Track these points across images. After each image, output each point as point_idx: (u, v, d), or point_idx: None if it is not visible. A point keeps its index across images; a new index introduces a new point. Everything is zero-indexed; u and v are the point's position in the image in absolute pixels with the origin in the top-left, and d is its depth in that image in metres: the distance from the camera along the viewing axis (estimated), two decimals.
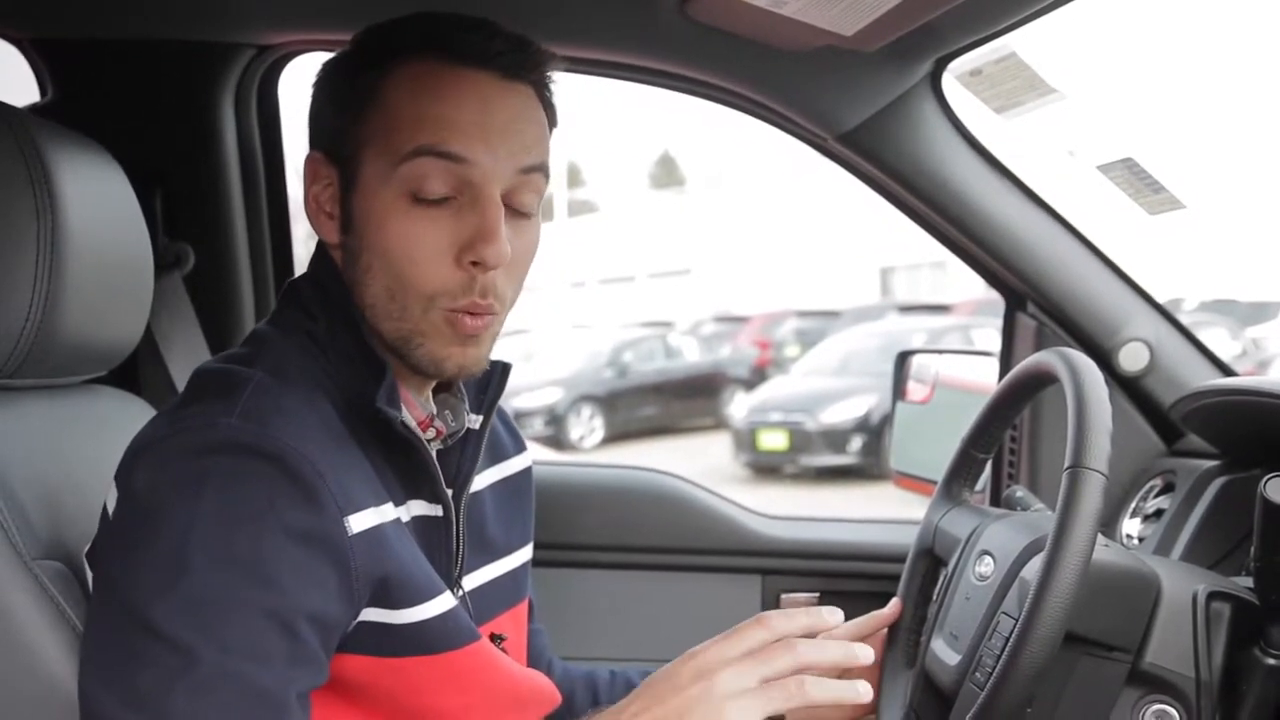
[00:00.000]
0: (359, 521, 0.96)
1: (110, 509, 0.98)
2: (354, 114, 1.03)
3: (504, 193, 1.02)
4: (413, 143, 1.00)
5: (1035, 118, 1.51)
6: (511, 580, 1.22)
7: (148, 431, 0.99)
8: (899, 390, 1.93)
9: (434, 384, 1.12)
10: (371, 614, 0.98)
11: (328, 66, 1.09)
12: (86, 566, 1.03)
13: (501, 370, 1.17)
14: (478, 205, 1.01)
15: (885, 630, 1.36)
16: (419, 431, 1.06)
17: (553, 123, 1.10)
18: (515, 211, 1.04)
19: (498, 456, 1.25)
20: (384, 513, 0.99)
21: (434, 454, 1.08)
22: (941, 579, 1.31)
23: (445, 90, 1.01)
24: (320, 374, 1.04)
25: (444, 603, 1.03)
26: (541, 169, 1.05)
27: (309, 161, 1.08)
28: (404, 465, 1.05)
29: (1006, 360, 1.79)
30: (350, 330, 1.05)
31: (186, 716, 0.86)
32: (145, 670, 0.87)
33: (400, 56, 1.03)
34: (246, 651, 0.88)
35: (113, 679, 0.89)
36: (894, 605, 1.32)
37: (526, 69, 1.05)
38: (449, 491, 1.09)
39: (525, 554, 1.25)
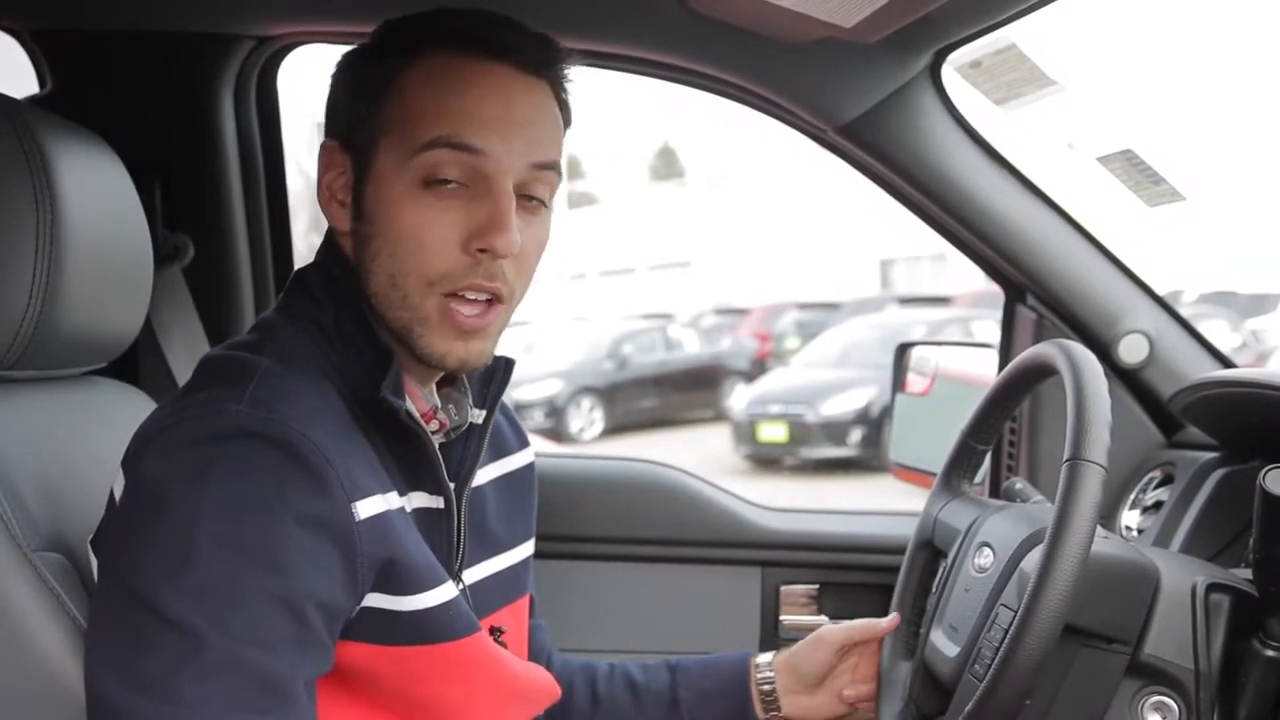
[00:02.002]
0: (366, 508, 0.96)
1: (118, 496, 0.98)
2: (372, 104, 1.04)
3: (516, 186, 1.03)
4: (430, 134, 1.01)
5: (1035, 110, 1.51)
6: (512, 575, 1.22)
7: (155, 418, 0.99)
8: (898, 382, 1.92)
9: (438, 377, 1.13)
10: (375, 600, 0.99)
11: (348, 57, 1.10)
12: (90, 557, 1.03)
13: (505, 365, 1.17)
14: (490, 195, 1.01)
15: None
16: (422, 422, 1.06)
17: (567, 122, 1.10)
18: (526, 206, 1.05)
19: (500, 451, 1.25)
20: (390, 500, 0.99)
21: (437, 446, 1.08)
22: (941, 571, 1.31)
23: (465, 83, 1.02)
24: (326, 362, 1.04)
25: (445, 592, 1.03)
26: (554, 167, 1.06)
27: (324, 149, 1.08)
28: (407, 456, 1.05)
29: (1006, 352, 1.79)
30: (357, 319, 1.05)
31: (193, 702, 0.87)
32: (152, 656, 0.88)
33: (421, 49, 1.04)
34: (254, 637, 0.89)
35: (119, 665, 0.89)
36: (892, 619, 1.33)
37: (546, 65, 1.06)
38: (451, 485, 1.09)
39: (526, 549, 1.25)
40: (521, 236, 1.02)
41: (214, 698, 0.87)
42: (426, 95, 1.02)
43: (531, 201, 1.05)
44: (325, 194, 1.08)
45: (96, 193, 1.14)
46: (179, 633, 0.87)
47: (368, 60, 1.07)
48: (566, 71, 1.09)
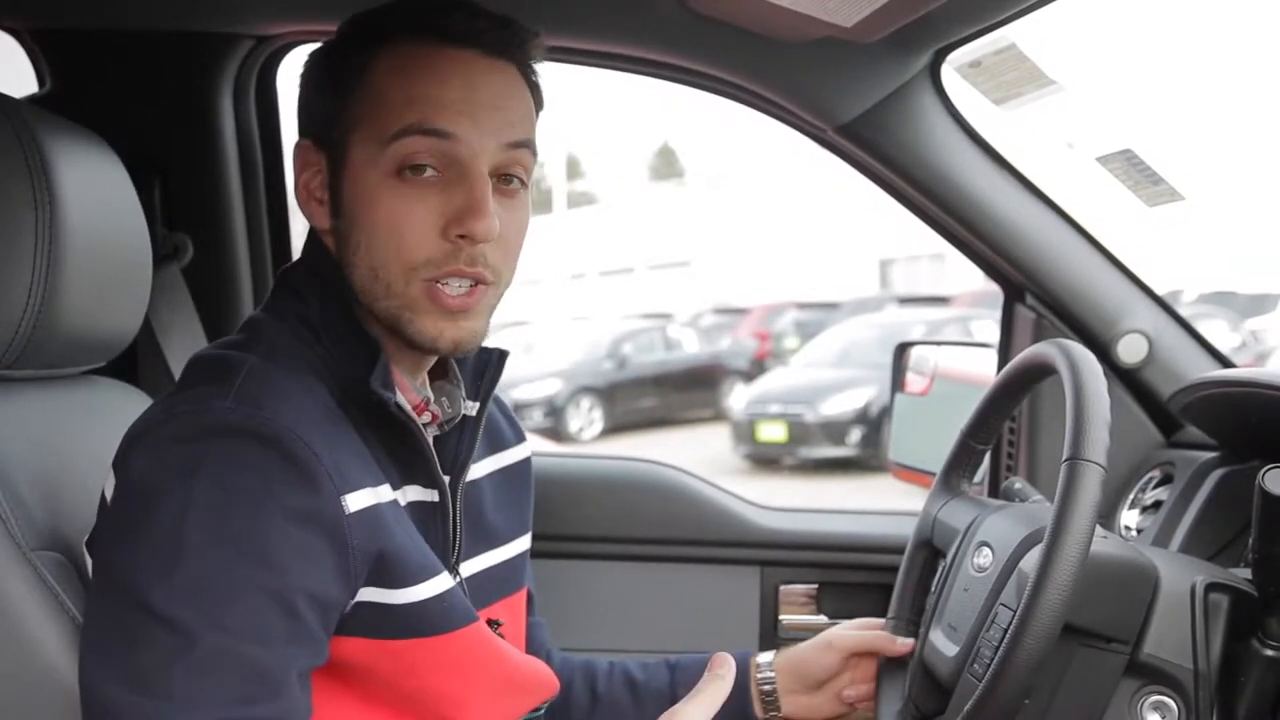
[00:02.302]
0: (356, 501, 0.96)
1: (109, 496, 0.98)
2: (341, 99, 1.04)
3: (491, 169, 1.03)
4: (400, 122, 1.01)
5: (1034, 109, 1.51)
6: (509, 569, 1.22)
7: (144, 418, 1.00)
8: (898, 382, 1.92)
9: (429, 367, 1.13)
10: (369, 594, 0.99)
11: (314, 55, 1.10)
12: (86, 557, 1.03)
13: (498, 357, 1.18)
14: (465, 180, 1.02)
15: (885, 623, 1.37)
16: (413, 414, 1.06)
17: (539, 103, 1.10)
18: (504, 189, 1.05)
19: (497, 446, 1.26)
20: (380, 493, 1.00)
21: (430, 439, 1.09)
22: (940, 570, 1.31)
23: (431, 69, 1.02)
24: (314, 358, 1.04)
25: (441, 583, 1.03)
26: (528, 146, 1.06)
27: (298, 149, 1.09)
28: (399, 449, 1.05)
29: (1005, 352, 1.79)
30: (343, 314, 1.05)
31: (186, 697, 0.87)
32: (145, 652, 0.88)
33: (385, 40, 1.04)
34: (246, 631, 0.89)
35: (113, 662, 0.90)
36: (907, 643, 1.32)
37: (510, 46, 1.06)
38: (446, 478, 1.09)
39: (523, 543, 1.26)
40: (501, 220, 1.02)
41: (207, 693, 0.87)
42: (394, 85, 1.02)
43: (510, 184, 1.06)
44: (303, 193, 1.09)
45: (96, 192, 1.14)
46: (171, 630, 0.88)
47: (334, 56, 1.08)
48: (533, 53, 1.09)
